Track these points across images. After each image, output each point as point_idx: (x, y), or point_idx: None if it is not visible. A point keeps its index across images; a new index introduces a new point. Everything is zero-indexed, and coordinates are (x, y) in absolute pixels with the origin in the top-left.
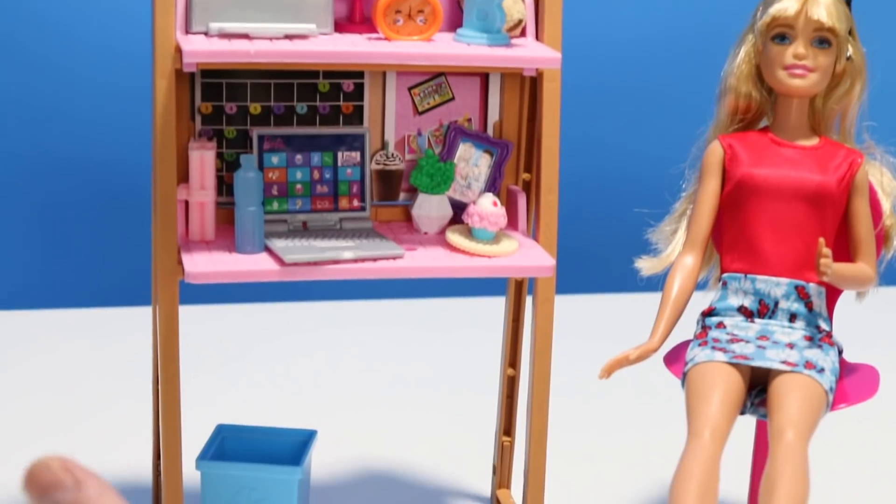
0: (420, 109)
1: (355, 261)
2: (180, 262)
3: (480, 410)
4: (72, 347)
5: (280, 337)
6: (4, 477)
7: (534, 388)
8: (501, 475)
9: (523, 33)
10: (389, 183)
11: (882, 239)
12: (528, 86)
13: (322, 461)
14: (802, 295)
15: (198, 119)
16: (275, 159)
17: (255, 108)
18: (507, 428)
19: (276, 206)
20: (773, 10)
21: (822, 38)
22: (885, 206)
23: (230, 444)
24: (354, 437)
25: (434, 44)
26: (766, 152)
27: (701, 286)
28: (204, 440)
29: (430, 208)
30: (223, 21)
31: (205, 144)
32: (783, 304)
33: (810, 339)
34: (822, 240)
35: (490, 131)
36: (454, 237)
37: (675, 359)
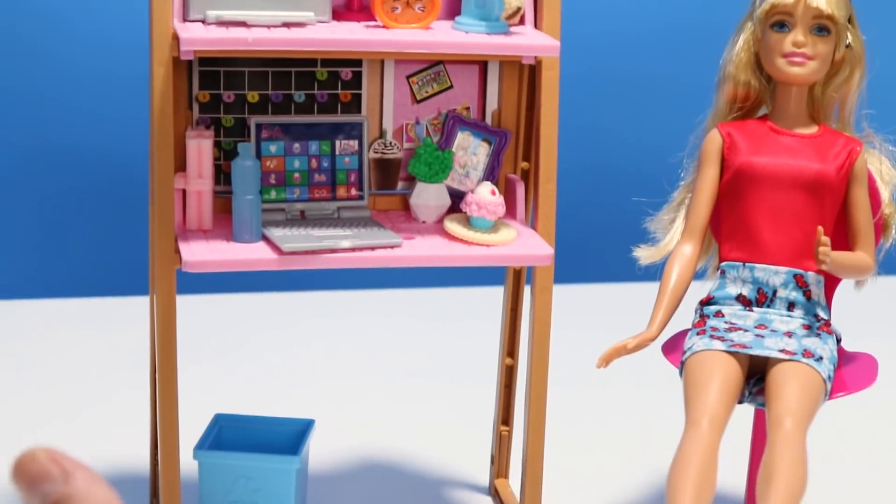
0: (418, 98)
1: (353, 249)
2: (178, 251)
3: (478, 400)
4: (69, 337)
5: (278, 326)
6: (3, 467)
7: (532, 377)
8: (500, 464)
9: (522, 21)
10: (387, 171)
11: (881, 227)
12: (527, 74)
13: (320, 451)
14: (801, 283)
15: (195, 107)
16: (272, 148)
17: (252, 96)
18: (505, 417)
19: (273, 194)
20: None
21: (822, 26)
22: (884, 194)
23: (228, 434)
24: (352, 426)
25: (432, 32)
26: (764, 140)
27: (699, 275)
28: (201, 430)
29: (429, 197)
30: (220, 9)
31: (202, 133)
32: (781, 293)
33: (809, 327)
34: (820, 228)
35: (488, 120)
36: (452, 226)
37: (673, 348)
